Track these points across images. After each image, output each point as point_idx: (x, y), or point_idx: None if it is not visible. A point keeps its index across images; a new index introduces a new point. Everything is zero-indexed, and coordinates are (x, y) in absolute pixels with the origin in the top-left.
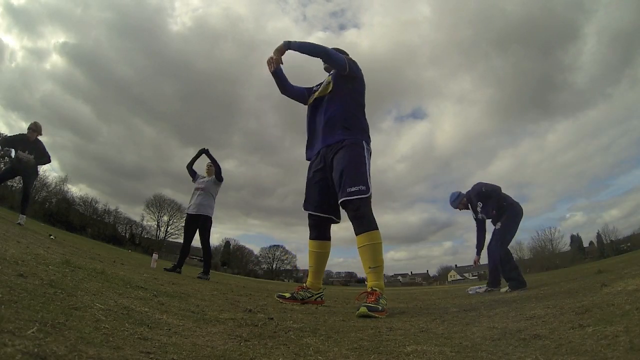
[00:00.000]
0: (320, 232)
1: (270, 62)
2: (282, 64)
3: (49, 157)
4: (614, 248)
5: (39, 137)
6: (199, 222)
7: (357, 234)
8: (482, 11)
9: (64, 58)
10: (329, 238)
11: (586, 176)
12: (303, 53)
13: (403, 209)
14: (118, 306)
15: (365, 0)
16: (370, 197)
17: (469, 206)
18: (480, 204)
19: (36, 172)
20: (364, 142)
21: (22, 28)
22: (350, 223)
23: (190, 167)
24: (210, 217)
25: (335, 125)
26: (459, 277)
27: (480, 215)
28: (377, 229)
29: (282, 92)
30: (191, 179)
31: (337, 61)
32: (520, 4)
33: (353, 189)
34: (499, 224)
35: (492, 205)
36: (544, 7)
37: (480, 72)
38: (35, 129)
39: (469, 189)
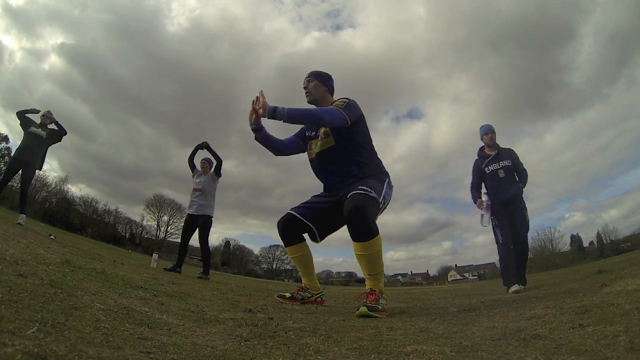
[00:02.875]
0: (290, 237)
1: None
2: (258, 126)
3: (65, 129)
4: (614, 248)
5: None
6: (199, 222)
7: (353, 239)
8: (477, 11)
9: (62, 59)
10: (301, 240)
11: (585, 176)
12: (294, 123)
13: (401, 209)
14: (118, 306)
15: (360, 0)
16: (378, 205)
17: (492, 151)
18: (509, 162)
19: (39, 165)
20: (385, 181)
21: (21, 29)
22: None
23: (190, 160)
24: (211, 217)
25: (352, 181)
26: (459, 277)
27: (493, 169)
28: (377, 235)
29: (277, 155)
30: (191, 173)
31: (336, 122)
32: (515, 3)
33: (364, 188)
34: (524, 215)
35: (517, 184)
36: (539, 7)
37: (475, 72)
38: (49, 116)
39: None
